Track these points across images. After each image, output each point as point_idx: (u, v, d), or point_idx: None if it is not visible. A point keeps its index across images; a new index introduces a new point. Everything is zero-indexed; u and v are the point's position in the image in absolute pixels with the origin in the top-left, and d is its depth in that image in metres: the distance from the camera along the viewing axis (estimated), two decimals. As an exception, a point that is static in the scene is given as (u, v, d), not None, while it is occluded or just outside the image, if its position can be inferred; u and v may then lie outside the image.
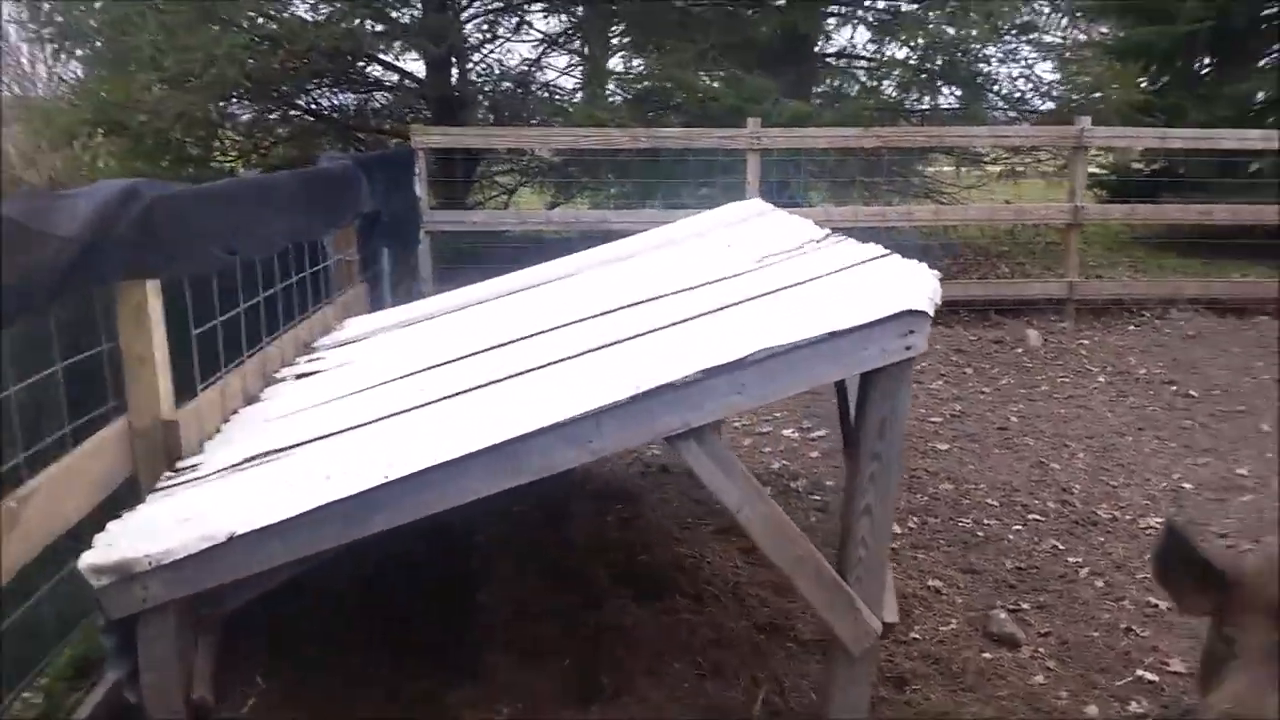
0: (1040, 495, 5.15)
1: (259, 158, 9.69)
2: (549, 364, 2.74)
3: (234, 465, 2.76)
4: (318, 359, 4.08)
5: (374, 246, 6.31)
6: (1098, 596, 4.12)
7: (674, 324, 2.75)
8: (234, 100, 9.21)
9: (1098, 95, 9.14)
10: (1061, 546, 4.59)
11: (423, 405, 2.79)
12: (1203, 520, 4.87)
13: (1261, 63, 11.67)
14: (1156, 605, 4.07)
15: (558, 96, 10.76)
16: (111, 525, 2.52)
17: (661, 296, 3.15)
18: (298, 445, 2.77)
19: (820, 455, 5.58)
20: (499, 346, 3.18)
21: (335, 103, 9.98)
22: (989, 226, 9.23)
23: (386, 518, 2.37)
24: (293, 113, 9.86)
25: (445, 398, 2.78)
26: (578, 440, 2.34)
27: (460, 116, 9.68)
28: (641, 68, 10.13)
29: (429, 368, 3.19)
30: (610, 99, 9.68)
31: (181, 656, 2.51)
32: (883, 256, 2.88)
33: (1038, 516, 4.91)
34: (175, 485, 2.75)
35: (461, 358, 3.18)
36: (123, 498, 2.86)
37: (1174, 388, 6.89)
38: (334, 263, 5.19)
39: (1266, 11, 11.04)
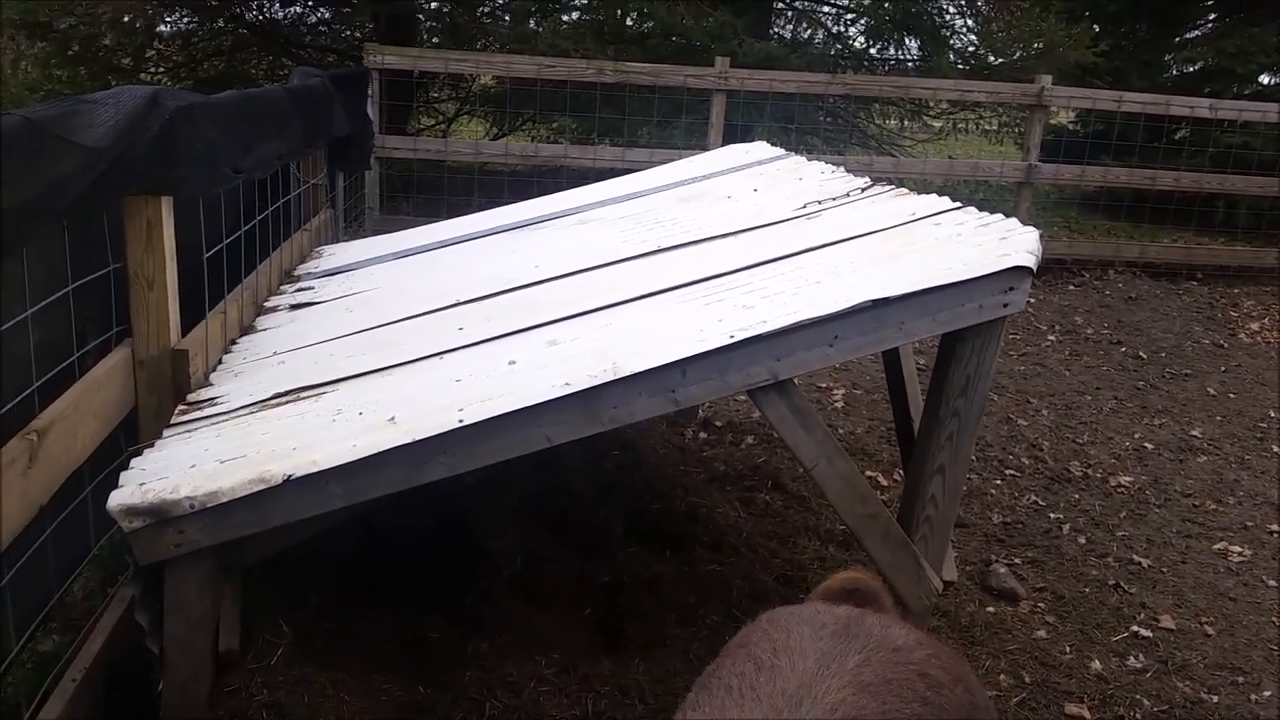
0: (1013, 450, 5.22)
1: (188, 73, 9.10)
2: (610, 305, 2.60)
3: (262, 401, 2.56)
4: (307, 288, 3.84)
5: (330, 171, 6.03)
6: (1082, 553, 4.20)
7: (740, 269, 2.63)
8: (168, 8, 8.59)
9: (1042, 53, 9.15)
10: (1041, 502, 4.66)
11: (469, 345, 2.62)
12: (1166, 479, 5.02)
13: (1193, 33, 11.95)
14: (1139, 563, 4.17)
15: (503, 23, 10.33)
16: (136, 463, 2.31)
17: (709, 239, 3.01)
18: (332, 382, 2.58)
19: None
20: (533, 285, 3.01)
21: (274, 15, 9.40)
22: (945, 181, 9.23)
23: (449, 464, 2.23)
24: (229, 24, 9.28)
25: (495, 338, 2.61)
26: (660, 389, 2.23)
27: (407, 37, 9.25)
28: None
29: (457, 304, 3.00)
30: (563, 25, 9.34)
31: (212, 606, 2.34)
32: (959, 208, 2.79)
33: (1014, 472, 4.98)
34: (195, 421, 2.53)
35: (493, 294, 3.00)
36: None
37: (1123, 349, 7.06)
38: (304, 188, 4.91)
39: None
